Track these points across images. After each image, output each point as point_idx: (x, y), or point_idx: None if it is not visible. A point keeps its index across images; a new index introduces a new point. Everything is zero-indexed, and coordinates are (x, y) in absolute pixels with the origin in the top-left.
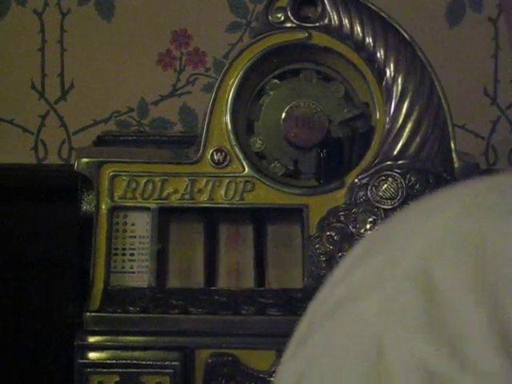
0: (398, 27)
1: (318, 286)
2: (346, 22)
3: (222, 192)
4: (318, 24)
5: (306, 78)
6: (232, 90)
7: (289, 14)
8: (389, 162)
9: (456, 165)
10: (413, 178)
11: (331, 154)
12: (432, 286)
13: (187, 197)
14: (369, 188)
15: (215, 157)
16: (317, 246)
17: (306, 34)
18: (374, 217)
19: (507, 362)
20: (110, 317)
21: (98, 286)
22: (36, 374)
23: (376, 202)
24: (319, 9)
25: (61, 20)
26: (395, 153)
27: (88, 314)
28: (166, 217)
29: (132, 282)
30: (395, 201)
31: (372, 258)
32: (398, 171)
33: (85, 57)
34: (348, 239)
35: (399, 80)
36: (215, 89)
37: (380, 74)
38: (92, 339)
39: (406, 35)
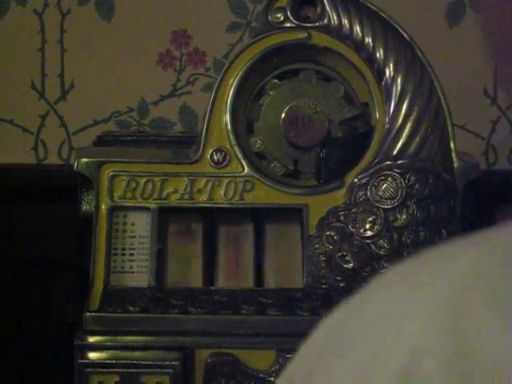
0: (397, 27)
1: (318, 285)
2: (345, 22)
3: (222, 192)
4: (317, 24)
5: (305, 77)
6: (232, 89)
7: (288, 14)
8: (388, 162)
9: (456, 165)
10: (412, 178)
11: (331, 154)
12: None
13: (187, 197)
14: (368, 188)
15: (215, 157)
16: (316, 245)
17: (306, 34)
18: (374, 216)
19: None
20: (110, 317)
21: (98, 285)
22: (36, 373)
23: (376, 201)
24: (319, 9)
25: (61, 20)
26: (395, 152)
27: (88, 313)
28: (166, 216)
29: (132, 282)
30: (395, 200)
31: (351, 346)
32: (398, 171)
33: (85, 57)
34: (347, 239)
35: (399, 80)
36: (215, 89)
37: (379, 74)
38: (92, 339)
39: (405, 35)
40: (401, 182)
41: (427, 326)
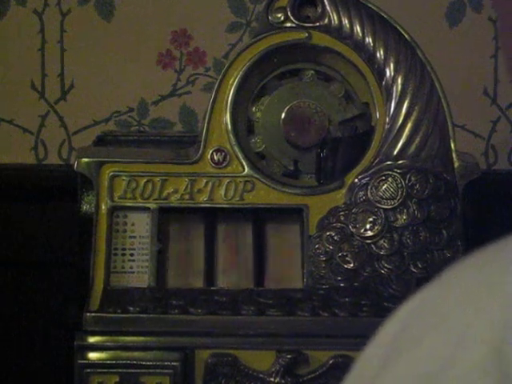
0: (397, 27)
1: (318, 286)
2: (345, 21)
3: (222, 192)
4: (317, 24)
5: (305, 78)
6: (232, 90)
7: (289, 14)
8: (389, 162)
9: (456, 165)
10: (413, 178)
11: (331, 154)
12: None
13: (187, 197)
14: (369, 188)
15: (215, 157)
16: (317, 245)
17: (306, 34)
18: (374, 217)
19: None
20: (110, 317)
21: (98, 286)
22: (36, 373)
23: (376, 201)
24: (319, 9)
25: (61, 20)
26: (395, 153)
27: (88, 314)
28: (166, 217)
29: (132, 282)
30: (395, 201)
31: (427, 337)
32: (398, 171)
33: (85, 57)
34: (348, 239)
35: (399, 80)
36: (215, 89)
37: (380, 74)
38: (92, 339)
39: (405, 35)
40: (401, 182)
41: None
